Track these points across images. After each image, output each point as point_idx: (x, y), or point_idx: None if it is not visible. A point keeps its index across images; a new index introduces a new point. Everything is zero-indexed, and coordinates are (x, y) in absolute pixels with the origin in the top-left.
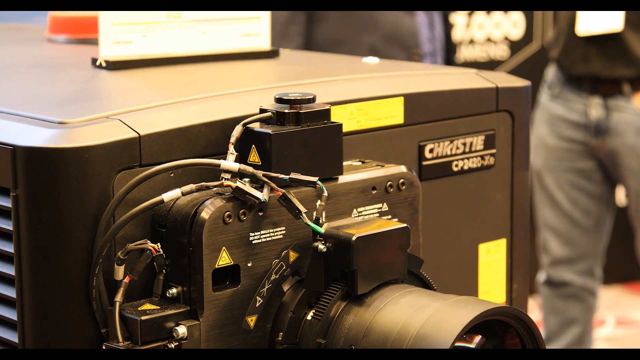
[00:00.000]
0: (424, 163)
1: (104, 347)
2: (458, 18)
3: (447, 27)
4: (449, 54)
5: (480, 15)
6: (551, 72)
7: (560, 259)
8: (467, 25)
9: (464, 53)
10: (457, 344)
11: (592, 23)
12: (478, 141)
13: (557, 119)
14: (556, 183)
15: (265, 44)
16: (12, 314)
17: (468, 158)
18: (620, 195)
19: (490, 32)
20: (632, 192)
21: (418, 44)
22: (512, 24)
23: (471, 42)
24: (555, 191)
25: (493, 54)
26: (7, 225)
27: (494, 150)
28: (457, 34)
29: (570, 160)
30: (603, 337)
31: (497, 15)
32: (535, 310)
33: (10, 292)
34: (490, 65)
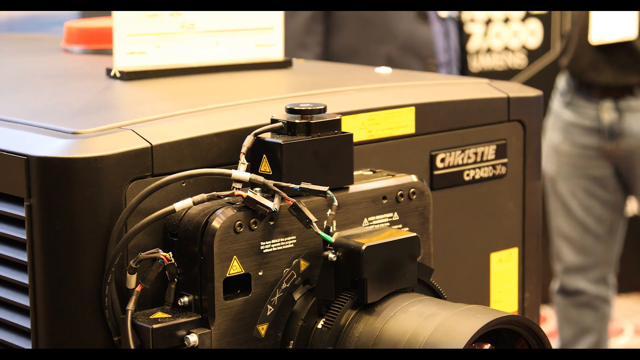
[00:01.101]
0: (436, 172)
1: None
2: (475, 27)
3: (463, 37)
4: (464, 64)
5: (497, 24)
6: (562, 80)
7: (573, 266)
8: (484, 34)
9: (482, 62)
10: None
11: (605, 32)
12: (489, 151)
13: (570, 125)
14: (569, 190)
15: (278, 55)
16: (25, 322)
17: (480, 167)
18: (634, 205)
19: (507, 41)
20: None
21: (434, 53)
22: (530, 32)
23: (488, 50)
24: (569, 198)
25: (510, 62)
26: (21, 234)
27: (505, 160)
28: (474, 43)
29: (583, 167)
30: (621, 346)
31: (515, 24)
32: (552, 319)
33: (24, 301)
34: (508, 74)
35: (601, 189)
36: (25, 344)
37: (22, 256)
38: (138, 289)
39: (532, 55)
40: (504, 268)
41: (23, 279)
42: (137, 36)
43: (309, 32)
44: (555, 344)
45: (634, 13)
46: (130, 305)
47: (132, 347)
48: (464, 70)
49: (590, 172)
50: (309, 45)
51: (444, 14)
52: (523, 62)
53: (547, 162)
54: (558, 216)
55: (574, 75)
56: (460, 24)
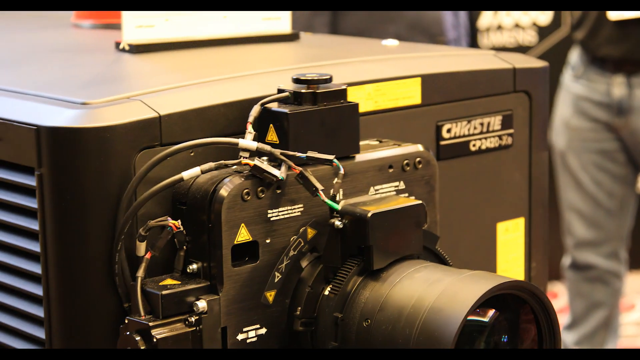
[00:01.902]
0: (442, 143)
1: (126, 321)
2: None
3: (472, 13)
4: (473, 40)
5: None
6: (575, 54)
7: (584, 241)
8: (494, 13)
9: (492, 39)
10: (470, 317)
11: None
12: (496, 121)
13: (580, 99)
14: (580, 164)
15: (285, 28)
16: (37, 290)
17: (486, 138)
18: None
19: (518, 18)
20: None
21: (442, 31)
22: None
23: (499, 27)
24: (579, 172)
25: (521, 39)
26: (32, 203)
27: (511, 130)
28: (484, 20)
29: (594, 140)
30: (633, 322)
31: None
32: (564, 295)
33: (36, 269)
34: (518, 50)
35: (611, 162)
36: (38, 311)
37: (34, 225)
38: (147, 256)
39: (543, 32)
40: (511, 238)
41: (35, 247)
42: (145, 10)
43: (316, 13)
44: (566, 319)
45: None
46: (140, 272)
47: (142, 313)
48: (473, 46)
49: (600, 145)
50: (316, 26)
51: None
52: (534, 39)
53: (557, 136)
54: (569, 190)
55: (588, 49)
56: None
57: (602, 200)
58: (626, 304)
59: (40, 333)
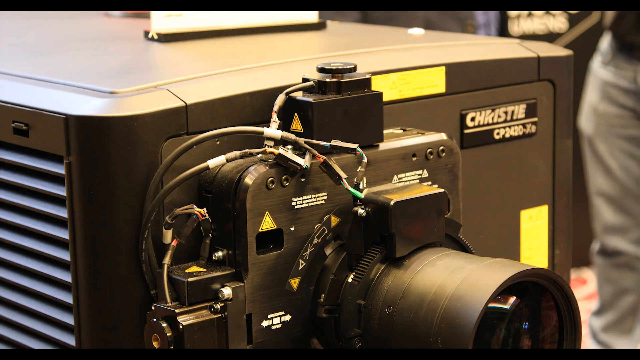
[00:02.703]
0: (466, 131)
1: (153, 308)
2: None
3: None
4: (503, 25)
5: None
6: (605, 40)
7: (613, 226)
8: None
9: (522, 26)
10: (491, 304)
11: None
12: (520, 110)
13: (607, 85)
14: (608, 150)
15: (313, 16)
16: (66, 276)
17: (510, 126)
18: None
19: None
20: None
21: (472, 15)
22: None
23: (530, 14)
24: (608, 158)
25: (552, 26)
26: (60, 191)
27: (535, 119)
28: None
29: (621, 126)
30: None
31: None
32: (593, 282)
33: (65, 256)
34: (549, 37)
35: (639, 149)
36: (67, 297)
37: (62, 212)
38: (174, 243)
39: (574, 19)
40: (534, 225)
41: (63, 234)
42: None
43: None
44: (594, 305)
45: None
46: (167, 260)
47: (169, 300)
48: (503, 32)
49: (628, 132)
50: (346, 12)
51: None
52: (564, 25)
53: (586, 122)
54: (597, 175)
55: (616, 35)
56: None
57: (630, 186)
58: None
59: (69, 319)
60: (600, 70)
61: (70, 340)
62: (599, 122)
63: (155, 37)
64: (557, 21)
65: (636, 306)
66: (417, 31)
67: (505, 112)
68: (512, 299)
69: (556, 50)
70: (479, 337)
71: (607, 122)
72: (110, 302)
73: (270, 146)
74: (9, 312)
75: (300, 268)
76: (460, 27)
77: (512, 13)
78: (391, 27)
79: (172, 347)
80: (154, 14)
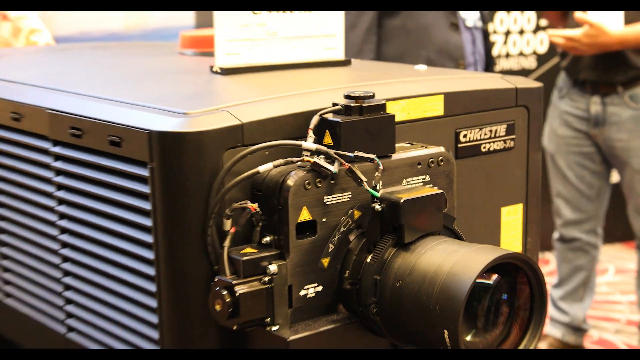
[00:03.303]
0: (459, 145)
1: (216, 279)
2: (497, 37)
3: (488, 44)
4: (490, 65)
5: (514, 35)
6: (561, 78)
7: (569, 220)
8: (504, 43)
9: (502, 64)
10: (479, 280)
11: None
12: (501, 129)
13: (565, 113)
14: (566, 164)
15: (340, 55)
16: (150, 254)
17: (493, 142)
18: (615, 175)
19: (522, 48)
20: (624, 170)
21: (463, 55)
22: (539, 41)
23: (507, 55)
24: (566, 170)
25: (524, 65)
26: (145, 189)
27: (513, 136)
28: (495, 49)
29: (576, 145)
30: (605, 282)
31: (528, 34)
32: (553, 262)
33: (149, 238)
34: (522, 73)
35: (590, 162)
36: (149, 270)
37: (147, 206)
38: (232, 230)
39: (541, 59)
40: (512, 219)
41: (147, 222)
42: (233, 41)
43: (366, 41)
44: (554, 279)
45: (621, 29)
46: (226, 243)
47: (228, 274)
48: (487, 68)
49: (581, 149)
50: (365, 52)
51: (470, 23)
52: (534, 64)
53: (548, 142)
54: (557, 183)
55: (571, 74)
56: (486, 33)
57: (583, 190)
58: (601, 269)
59: (151, 287)
60: (559, 102)
61: (152, 302)
62: (559, 143)
63: (218, 71)
64: (528, 61)
65: (586, 280)
66: (421, 67)
67: (490, 131)
68: (495, 276)
69: (530, 83)
70: (468, 305)
71: (565, 142)
72: (184, 275)
73: (307, 156)
74: (98, 277)
75: (329, 250)
76: (454, 65)
77: (494, 54)
78: (401, 64)
79: (231, 310)
80: (217, 53)
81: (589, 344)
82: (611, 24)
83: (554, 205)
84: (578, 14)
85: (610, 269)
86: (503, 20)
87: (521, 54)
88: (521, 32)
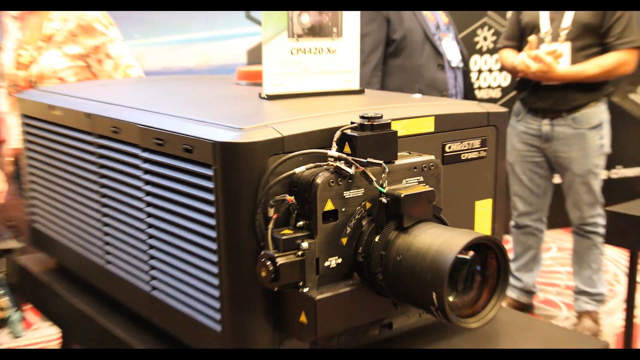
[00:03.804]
0: (445, 154)
1: (262, 253)
2: (473, 75)
3: (468, 80)
4: (466, 97)
5: (485, 73)
6: (517, 105)
7: (523, 212)
8: (477, 78)
9: (476, 94)
10: (459, 255)
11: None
12: (477, 142)
13: (522, 133)
14: (521, 170)
15: (356, 86)
16: (213, 234)
17: (470, 152)
18: (556, 177)
19: (490, 82)
20: (566, 174)
21: (447, 88)
22: (503, 77)
23: (479, 88)
24: (521, 175)
25: (492, 95)
26: (210, 185)
27: (486, 148)
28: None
29: (530, 157)
30: (549, 257)
31: (495, 73)
32: (510, 242)
33: (212, 222)
34: (490, 101)
35: (539, 168)
36: (212, 245)
37: (211, 197)
38: (274, 216)
39: (505, 91)
40: (483, 210)
41: (211, 209)
42: (276, 75)
43: (373, 76)
44: (512, 255)
45: (565, 67)
46: (270, 225)
47: (271, 249)
48: (466, 97)
49: (533, 159)
50: (373, 84)
51: (454, 64)
52: (499, 95)
53: (508, 155)
54: (514, 184)
55: (526, 103)
56: (466, 73)
57: (533, 189)
58: (545, 247)
59: (214, 258)
60: (516, 124)
61: (214, 269)
62: (516, 155)
63: (265, 97)
64: (494, 92)
65: (535, 256)
66: (417, 96)
67: (468, 144)
68: (471, 253)
69: (498, 108)
70: (451, 274)
71: (521, 155)
72: (238, 250)
73: (331, 161)
74: (173, 250)
75: (347, 232)
76: (439, 95)
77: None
78: (401, 94)
79: (273, 276)
80: (265, 84)
81: (537, 302)
82: (560, 64)
83: (511, 201)
84: (535, 52)
85: (553, 248)
86: (477, 61)
87: (489, 86)
88: (490, 70)
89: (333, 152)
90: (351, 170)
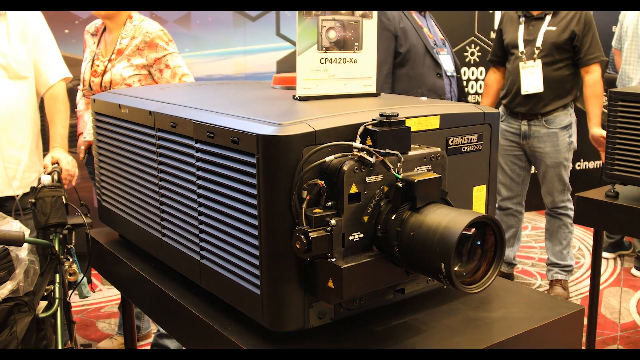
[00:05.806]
0: (449, 147)
1: (297, 229)
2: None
3: (460, 85)
4: (460, 99)
5: (472, 82)
6: (501, 109)
7: (505, 197)
8: (466, 87)
9: (470, 99)
10: (463, 232)
11: (528, 88)
12: (474, 137)
13: (505, 131)
14: (504, 161)
15: (374, 90)
16: (255, 212)
17: (469, 145)
18: (533, 168)
19: (477, 89)
20: (540, 166)
21: (444, 93)
22: None
23: (468, 94)
24: (504, 165)
25: (479, 100)
26: (253, 171)
27: (482, 142)
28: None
29: (511, 151)
30: (526, 235)
31: (480, 82)
32: None
33: (254, 202)
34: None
35: (519, 161)
36: (254, 221)
37: (254, 181)
38: (307, 197)
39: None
40: (479, 194)
41: (254, 191)
42: (308, 80)
43: (385, 82)
44: None
45: (541, 78)
46: (304, 205)
47: (305, 225)
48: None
49: (514, 153)
50: (384, 89)
51: (449, 73)
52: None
53: None
54: (499, 174)
55: (508, 107)
56: (459, 80)
57: (514, 178)
58: (524, 226)
59: (255, 232)
60: (500, 124)
61: (255, 242)
62: (500, 149)
63: (298, 98)
64: (481, 98)
65: (515, 233)
66: (424, 98)
67: (468, 138)
68: (473, 229)
69: (492, 110)
70: (456, 247)
71: (504, 149)
72: (277, 225)
73: (356, 151)
74: (221, 225)
75: (368, 211)
76: (438, 98)
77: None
78: (410, 96)
79: (306, 247)
80: (298, 87)
81: (516, 272)
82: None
83: (496, 187)
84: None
85: (529, 227)
86: (465, 72)
87: (476, 93)
88: (476, 79)
89: (357, 144)
90: (372, 159)
